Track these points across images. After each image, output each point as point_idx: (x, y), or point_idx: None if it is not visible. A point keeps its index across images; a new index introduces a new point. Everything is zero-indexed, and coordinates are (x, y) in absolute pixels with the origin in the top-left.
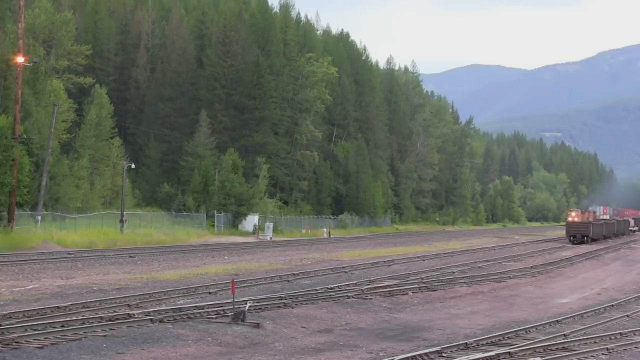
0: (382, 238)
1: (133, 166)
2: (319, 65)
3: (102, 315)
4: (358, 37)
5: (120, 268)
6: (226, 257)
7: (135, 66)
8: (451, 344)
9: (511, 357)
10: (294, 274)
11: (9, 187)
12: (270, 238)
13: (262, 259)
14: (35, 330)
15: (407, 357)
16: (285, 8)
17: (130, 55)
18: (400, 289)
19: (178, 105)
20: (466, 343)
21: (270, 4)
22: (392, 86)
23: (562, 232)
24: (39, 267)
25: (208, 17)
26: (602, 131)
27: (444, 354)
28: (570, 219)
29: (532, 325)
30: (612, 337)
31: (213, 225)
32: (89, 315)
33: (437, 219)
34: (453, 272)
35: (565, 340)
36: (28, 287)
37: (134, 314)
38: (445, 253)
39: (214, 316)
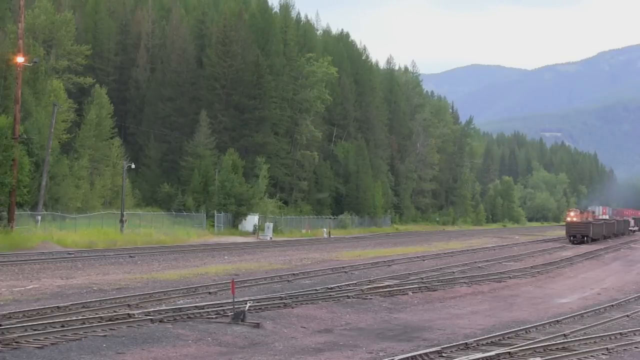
0: (382, 238)
1: (133, 166)
2: (319, 65)
3: (102, 315)
4: (358, 37)
5: (120, 268)
6: (226, 257)
7: (135, 66)
8: (451, 344)
9: (511, 357)
10: (294, 274)
11: (9, 187)
12: (270, 238)
13: (262, 259)
14: (35, 330)
15: (407, 357)
16: (285, 8)
17: (130, 55)
18: (400, 289)
19: (178, 105)
20: (466, 343)
21: (270, 4)
22: (392, 86)
23: (562, 232)
24: (39, 267)
25: (208, 17)
26: (602, 131)
27: (444, 354)
28: (569, 219)
29: (532, 325)
30: (612, 337)
31: (213, 225)
32: (89, 315)
33: (437, 219)
34: (453, 272)
35: (565, 340)
36: (28, 287)
37: (134, 314)
38: (445, 253)
39: (214, 316)
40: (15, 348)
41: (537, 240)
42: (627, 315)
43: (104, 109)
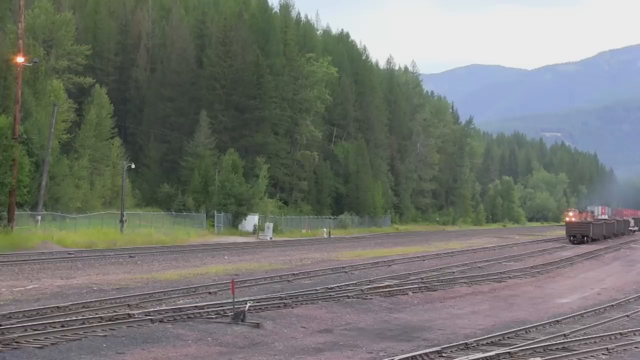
0: (382, 238)
1: (133, 166)
2: (319, 65)
3: (102, 315)
4: (358, 37)
5: (120, 268)
6: (226, 257)
7: (135, 66)
8: (451, 344)
9: (511, 357)
10: (294, 274)
11: (9, 187)
12: (270, 238)
13: (262, 259)
14: (35, 330)
15: (407, 357)
16: (285, 8)
17: (130, 55)
18: (400, 289)
19: (178, 105)
20: (466, 343)
21: (270, 4)
22: (392, 86)
23: (562, 232)
24: (39, 267)
25: (208, 17)
26: (602, 131)
27: (444, 354)
28: (567, 219)
29: (532, 325)
30: (612, 337)
31: (213, 225)
32: (89, 315)
33: (437, 219)
34: (453, 272)
35: (565, 340)
36: (28, 287)
37: (134, 314)
38: (445, 253)
39: (214, 316)
40: (15, 348)
41: (537, 240)
42: (627, 315)
43: (104, 109)
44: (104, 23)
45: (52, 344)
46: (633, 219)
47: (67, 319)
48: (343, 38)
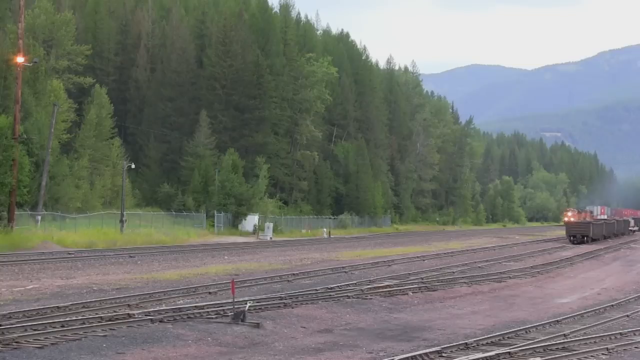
0: (382, 238)
1: (133, 166)
2: (319, 65)
3: (102, 315)
4: (358, 37)
5: (120, 268)
6: (226, 257)
7: (135, 66)
8: (451, 344)
9: (511, 357)
10: (294, 274)
11: (9, 187)
12: (270, 238)
13: (262, 259)
14: (35, 330)
15: (407, 357)
16: (285, 8)
17: (130, 55)
18: (400, 289)
19: (178, 105)
20: (466, 343)
21: (270, 4)
22: (392, 86)
23: (562, 232)
24: (39, 267)
25: (208, 17)
26: (602, 131)
27: (444, 354)
28: (566, 219)
29: (532, 325)
30: (612, 337)
31: (213, 225)
32: (89, 315)
33: (437, 219)
34: (453, 272)
35: (565, 340)
36: (28, 287)
37: (134, 314)
38: (445, 253)
39: (214, 316)
40: (15, 348)
41: (537, 240)
42: (627, 315)
43: (104, 109)
44: (104, 23)
45: (52, 344)
46: (633, 219)
47: (67, 319)
48: (343, 38)
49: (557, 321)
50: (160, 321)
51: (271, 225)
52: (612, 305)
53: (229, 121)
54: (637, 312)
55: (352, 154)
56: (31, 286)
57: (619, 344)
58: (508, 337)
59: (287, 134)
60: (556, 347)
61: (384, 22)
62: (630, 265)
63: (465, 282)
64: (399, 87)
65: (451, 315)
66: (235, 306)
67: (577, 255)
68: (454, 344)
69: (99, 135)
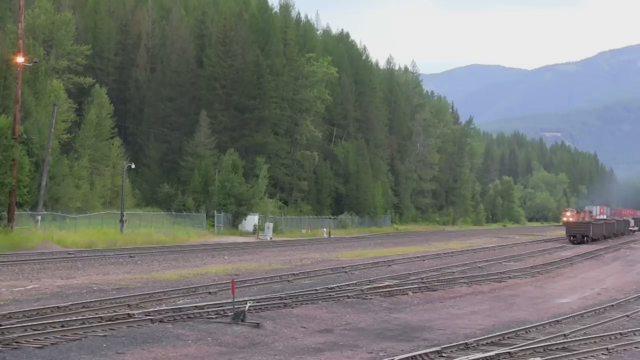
0: (382, 238)
1: (133, 166)
2: (319, 65)
3: (102, 315)
4: (358, 37)
5: (120, 268)
6: (226, 257)
7: (135, 66)
8: (451, 344)
9: (511, 357)
10: (294, 274)
11: (9, 187)
12: (270, 238)
13: (262, 259)
14: (35, 330)
15: (407, 357)
16: (285, 8)
17: (130, 55)
18: (400, 289)
19: (178, 105)
20: (466, 343)
21: (270, 4)
22: (392, 86)
23: (562, 232)
24: (39, 267)
25: (208, 17)
26: (602, 131)
27: (444, 354)
28: (564, 219)
29: (532, 325)
30: (612, 337)
31: (213, 225)
32: (89, 315)
33: (437, 219)
34: (453, 272)
35: (565, 340)
36: (28, 287)
37: (134, 314)
38: (445, 253)
39: (214, 316)
40: (15, 348)
41: (537, 240)
42: (627, 315)
43: (104, 109)
44: (104, 23)
45: (52, 344)
46: (633, 219)
47: (67, 319)
48: (343, 38)
49: (557, 321)
50: (160, 321)
51: (271, 225)
52: (612, 305)
53: (229, 121)
54: (637, 312)
55: (352, 154)
56: (31, 286)
57: (619, 344)
58: (508, 337)
59: (287, 134)
60: (556, 347)
61: (384, 22)
62: (630, 265)
63: (465, 282)
64: (399, 87)
65: (451, 315)
66: (235, 306)
67: (577, 255)
68: (454, 344)
69: (99, 135)
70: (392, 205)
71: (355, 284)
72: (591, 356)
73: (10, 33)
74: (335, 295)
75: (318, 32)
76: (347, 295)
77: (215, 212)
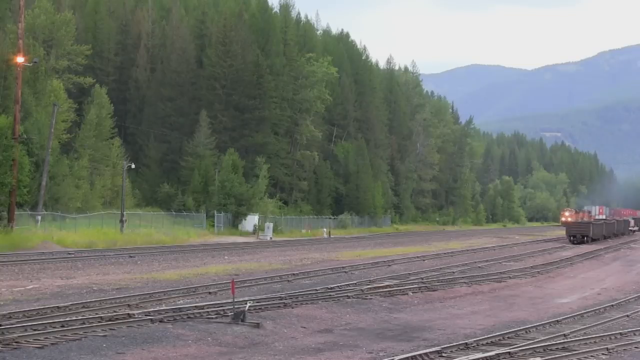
0: (382, 238)
1: (133, 166)
2: (319, 65)
3: (102, 315)
4: (358, 37)
5: (120, 268)
6: (226, 257)
7: (135, 66)
8: (451, 344)
9: (511, 357)
10: (294, 274)
11: (9, 187)
12: (270, 238)
13: (262, 259)
14: (35, 330)
15: (407, 357)
16: (285, 8)
17: (130, 55)
18: (400, 289)
19: (178, 105)
20: (466, 343)
21: (270, 4)
22: (392, 86)
23: (562, 232)
24: (39, 267)
25: (208, 17)
26: (602, 131)
27: (444, 354)
28: (563, 219)
29: (532, 325)
30: (612, 337)
31: (213, 225)
32: (89, 315)
33: (437, 219)
34: (453, 272)
35: (565, 340)
36: (28, 287)
37: (134, 314)
38: (445, 253)
39: (214, 316)
40: (15, 348)
41: (537, 240)
42: (627, 315)
43: (104, 109)
44: (104, 23)
45: (52, 344)
46: (633, 219)
47: (67, 319)
48: (343, 38)
49: (557, 321)
50: (160, 321)
51: (271, 225)
52: (612, 305)
53: (229, 121)
54: (637, 312)
55: (352, 154)
56: (31, 286)
57: (619, 344)
58: (508, 337)
59: (287, 134)
60: (556, 347)
61: (384, 22)
62: (630, 265)
63: (465, 282)
64: (399, 87)
65: (451, 315)
66: (235, 306)
67: (577, 255)
68: (454, 344)
69: (99, 135)
70: (392, 205)
71: (355, 284)
72: (591, 356)
73: (10, 33)
74: (335, 295)
75: (318, 32)
76: (347, 295)
77: (215, 212)
